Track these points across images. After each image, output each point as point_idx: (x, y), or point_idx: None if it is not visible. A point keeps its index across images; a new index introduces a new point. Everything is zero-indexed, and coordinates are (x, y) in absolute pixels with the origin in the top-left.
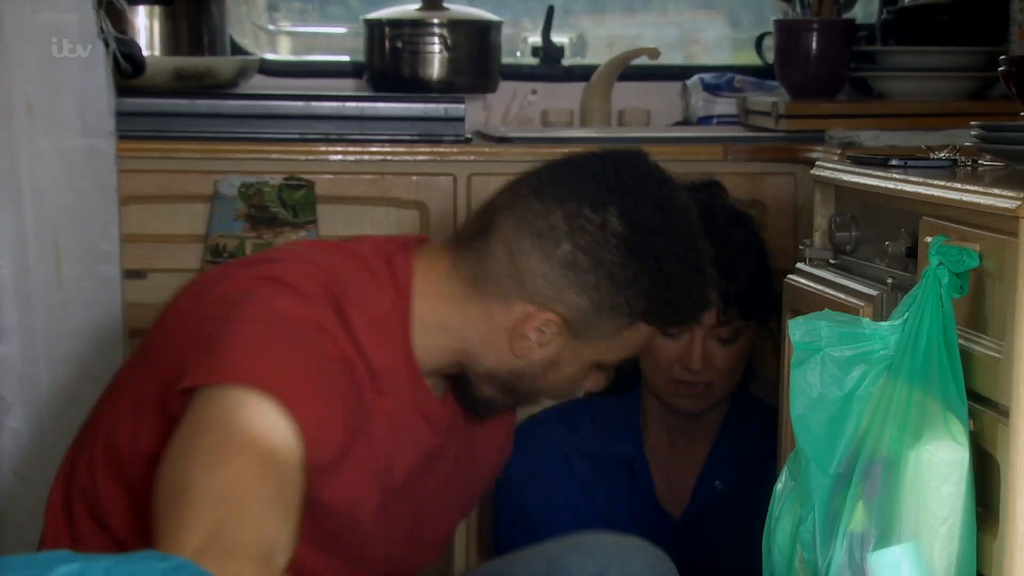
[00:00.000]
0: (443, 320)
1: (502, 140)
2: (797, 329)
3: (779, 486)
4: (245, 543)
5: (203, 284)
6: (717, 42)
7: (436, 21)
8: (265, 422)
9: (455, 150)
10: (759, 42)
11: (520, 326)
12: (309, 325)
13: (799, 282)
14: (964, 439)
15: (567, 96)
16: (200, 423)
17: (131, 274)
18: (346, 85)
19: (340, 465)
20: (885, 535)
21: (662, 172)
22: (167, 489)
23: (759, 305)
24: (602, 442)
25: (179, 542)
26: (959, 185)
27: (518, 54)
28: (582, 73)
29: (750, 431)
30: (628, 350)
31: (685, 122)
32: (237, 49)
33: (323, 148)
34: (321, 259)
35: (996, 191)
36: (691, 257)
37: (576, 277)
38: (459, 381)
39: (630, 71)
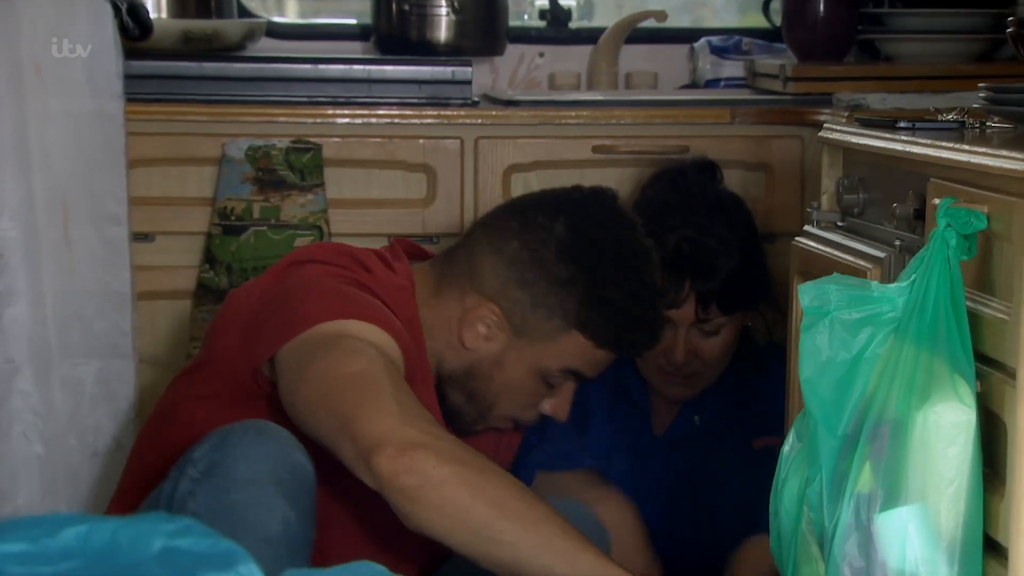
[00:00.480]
0: (423, 320)
1: (509, 103)
2: (806, 294)
3: (786, 448)
4: (420, 412)
5: (239, 295)
6: (724, 5)
7: None
8: (372, 333)
9: (462, 113)
10: (766, 5)
11: (468, 315)
12: (351, 281)
13: (807, 245)
14: (971, 401)
15: (574, 59)
16: (314, 355)
17: (138, 237)
18: (353, 48)
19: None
20: (892, 496)
21: (625, 212)
22: (324, 394)
23: (739, 299)
24: (606, 375)
25: (377, 413)
26: (967, 147)
27: (525, 17)
28: (589, 36)
29: (738, 369)
30: (567, 360)
31: (692, 85)
32: (244, 12)
33: (330, 111)
34: (340, 247)
35: (1004, 153)
36: (635, 284)
37: (518, 272)
38: (438, 391)
39: (637, 34)
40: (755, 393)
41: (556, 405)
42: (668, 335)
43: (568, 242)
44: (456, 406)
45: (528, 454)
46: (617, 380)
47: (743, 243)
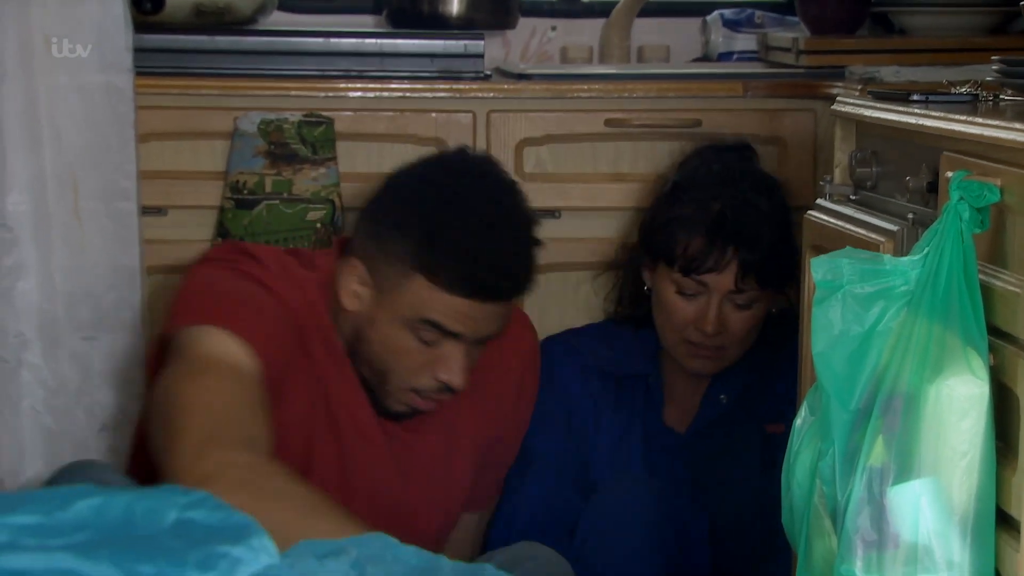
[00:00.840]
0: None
1: (521, 77)
2: (819, 267)
3: (798, 421)
4: (233, 437)
5: None
6: None
7: None
8: (223, 345)
9: (474, 87)
10: None
11: (342, 278)
12: (243, 275)
13: (819, 218)
14: (984, 374)
15: (586, 32)
16: (174, 359)
17: (151, 211)
18: (366, 21)
19: (282, 387)
20: (904, 470)
21: (483, 160)
22: (159, 410)
23: (777, 275)
24: (619, 362)
25: (181, 445)
26: (980, 120)
27: None
28: (602, 9)
29: (758, 344)
30: (422, 309)
31: (705, 58)
32: None
33: (343, 85)
34: (238, 244)
35: (1017, 125)
36: (475, 222)
37: (369, 225)
38: (362, 381)
39: (650, 7)
40: (773, 373)
41: (447, 370)
42: (701, 303)
43: (406, 186)
44: (365, 382)
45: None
46: (632, 371)
47: (782, 222)
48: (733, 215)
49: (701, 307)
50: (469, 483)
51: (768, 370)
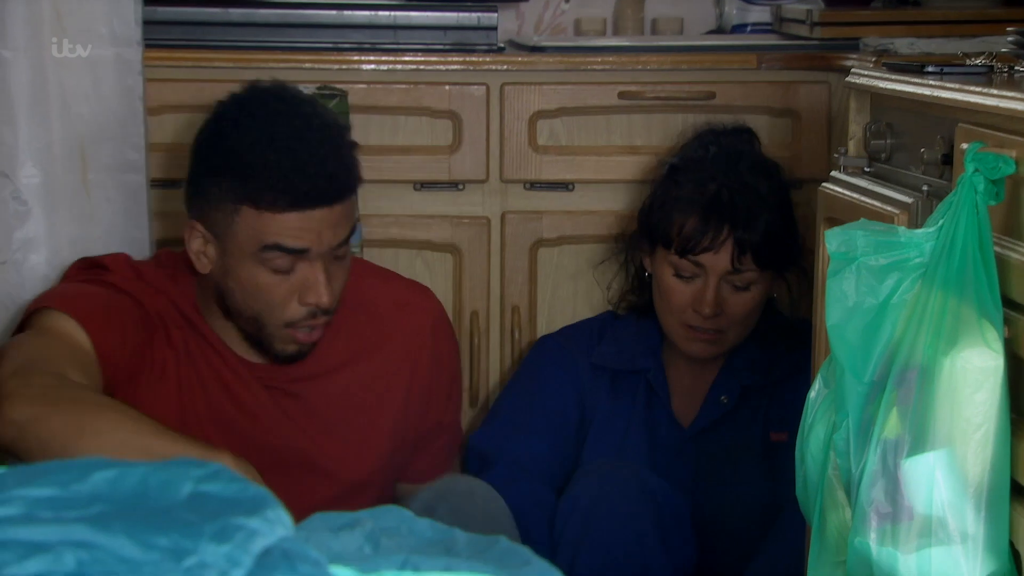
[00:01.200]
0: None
1: (535, 49)
2: (833, 239)
3: (812, 394)
4: (45, 371)
5: None
6: None
7: None
8: (60, 321)
9: (488, 59)
10: None
11: (188, 245)
12: (92, 282)
13: (833, 190)
14: (999, 346)
15: (600, 4)
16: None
17: (164, 183)
18: None
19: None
20: (919, 442)
21: (291, 90)
22: None
23: (775, 256)
24: (621, 357)
25: None
26: (995, 91)
27: None
28: None
29: (763, 345)
30: (260, 236)
31: (719, 30)
32: None
33: (356, 57)
34: (108, 257)
35: None
36: (284, 140)
37: (193, 184)
38: (246, 336)
39: None
40: (780, 378)
41: (310, 292)
42: (699, 285)
43: (208, 132)
44: (256, 341)
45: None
46: (633, 367)
47: (781, 204)
48: (729, 195)
49: (698, 289)
50: (390, 442)
51: (774, 374)
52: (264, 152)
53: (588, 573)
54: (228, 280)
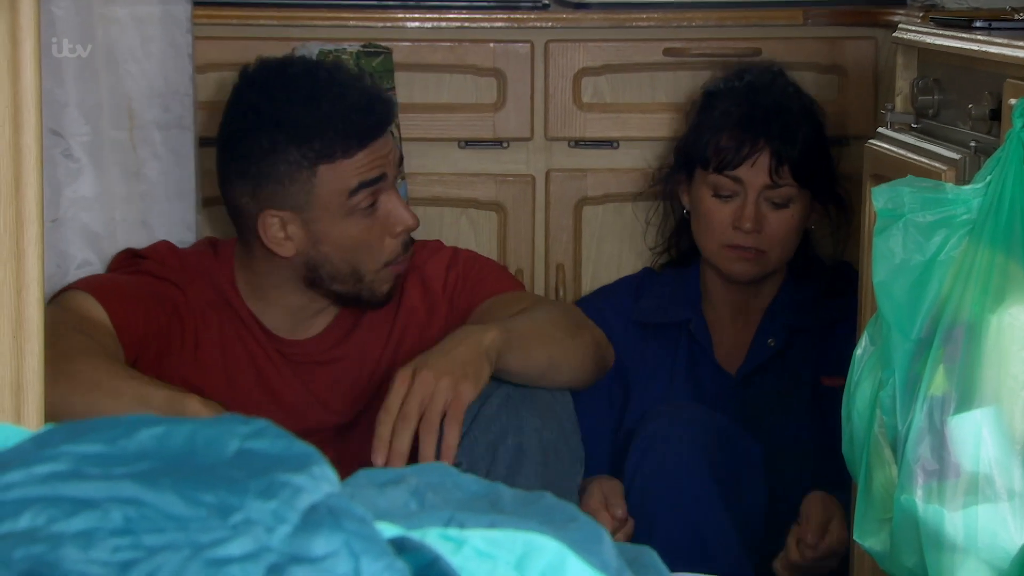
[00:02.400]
0: (248, 280)
1: (579, 6)
2: (880, 196)
3: (859, 351)
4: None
5: None
6: None
7: None
8: (86, 302)
9: (532, 16)
10: None
11: (266, 239)
12: (130, 272)
13: (880, 147)
14: None
15: None
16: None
17: (210, 141)
18: None
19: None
20: (965, 399)
21: (297, 56)
22: None
23: (812, 173)
24: (660, 310)
25: None
26: None
27: None
28: None
29: (805, 289)
30: (345, 184)
31: None
32: None
33: (400, 15)
34: (149, 248)
35: None
36: (330, 91)
37: (249, 178)
38: (339, 298)
39: None
40: (829, 324)
41: (396, 218)
42: (738, 203)
43: (236, 130)
44: (353, 297)
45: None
46: (674, 319)
47: (815, 123)
48: (763, 110)
49: (738, 207)
50: None
51: (821, 317)
52: (319, 108)
53: (661, 508)
54: (320, 248)
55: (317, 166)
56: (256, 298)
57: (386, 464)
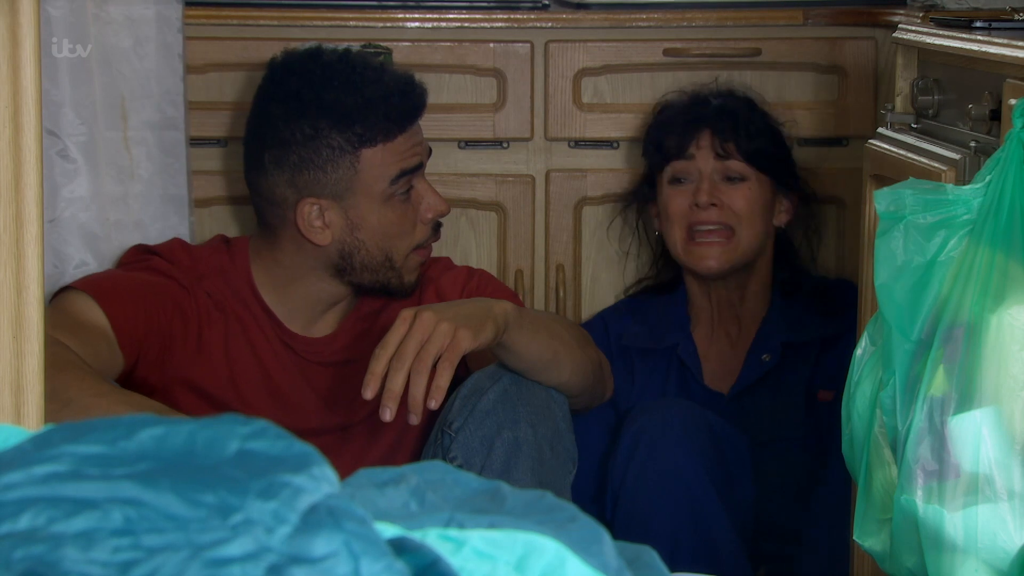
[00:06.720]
0: (267, 273)
1: (579, 6)
2: (882, 200)
3: (859, 352)
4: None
5: None
6: None
7: None
8: (84, 304)
9: (532, 17)
10: None
11: (300, 227)
12: (140, 270)
13: (880, 147)
14: None
15: None
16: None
17: (210, 142)
18: None
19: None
20: (965, 399)
21: (325, 47)
22: None
23: (761, 154)
24: (650, 336)
25: None
26: None
27: None
28: None
29: (795, 305)
30: (385, 172)
31: None
32: None
33: (400, 15)
34: (141, 246)
35: None
36: (366, 77)
37: (289, 167)
38: (363, 288)
39: None
40: (821, 337)
41: (429, 205)
42: (693, 186)
43: (274, 120)
44: (382, 285)
45: None
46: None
47: (764, 115)
48: (703, 100)
49: (692, 189)
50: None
51: (813, 333)
52: (360, 93)
53: (650, 500)
54: (357, 234)
55: (360, 151)
56: (275, 290)
57: (379, 403)
